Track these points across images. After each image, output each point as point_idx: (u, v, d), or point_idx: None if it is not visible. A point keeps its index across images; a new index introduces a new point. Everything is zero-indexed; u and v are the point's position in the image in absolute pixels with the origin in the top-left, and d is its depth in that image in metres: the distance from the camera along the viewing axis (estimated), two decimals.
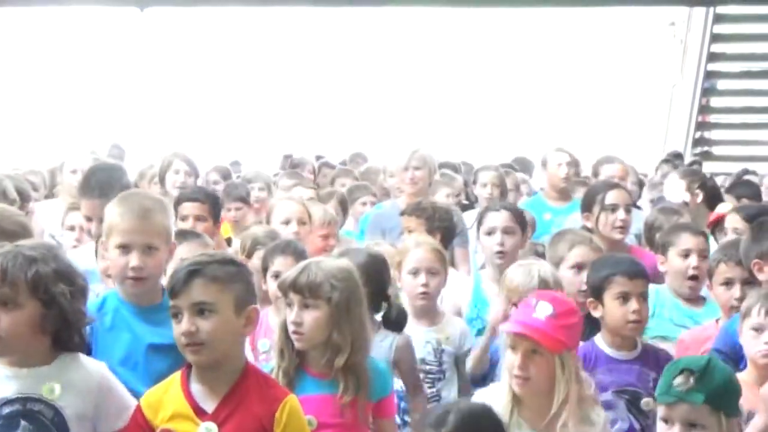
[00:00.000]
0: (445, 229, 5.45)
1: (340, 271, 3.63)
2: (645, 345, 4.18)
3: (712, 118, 15.18)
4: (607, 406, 3.94)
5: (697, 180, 7.04)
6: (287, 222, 5.44)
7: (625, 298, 4.04)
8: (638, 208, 7.02)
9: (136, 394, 3.36)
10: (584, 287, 4.41)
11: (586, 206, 5.63)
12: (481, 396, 3.53)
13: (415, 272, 4.64)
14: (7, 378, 3.19)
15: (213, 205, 5.67)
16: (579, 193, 6.65)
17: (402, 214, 5.61)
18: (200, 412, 3.15)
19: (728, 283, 4.47)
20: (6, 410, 3.15)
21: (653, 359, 4.07)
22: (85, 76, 17.00)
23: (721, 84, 15.01)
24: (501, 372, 3.65)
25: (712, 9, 13.68)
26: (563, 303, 3.54)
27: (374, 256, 4.36)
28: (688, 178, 7.04)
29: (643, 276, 4.15)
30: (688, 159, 13.75)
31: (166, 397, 3.21)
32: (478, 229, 5.23)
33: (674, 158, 11.00)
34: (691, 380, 3.07)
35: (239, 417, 3.14)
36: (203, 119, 16.68)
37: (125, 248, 3.65)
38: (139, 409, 3.23)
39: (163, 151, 7.51)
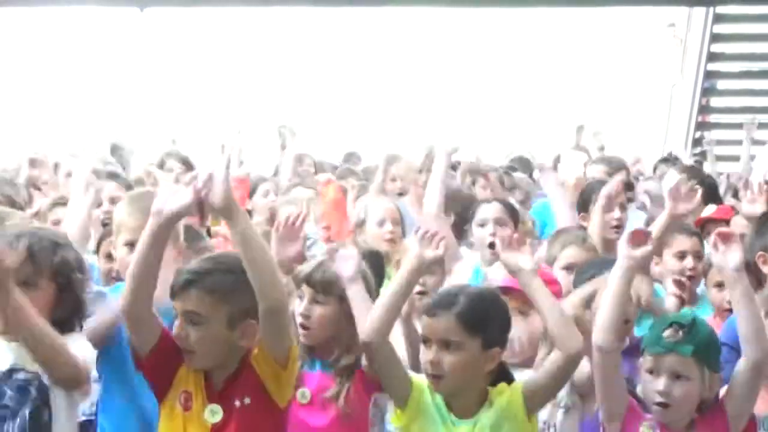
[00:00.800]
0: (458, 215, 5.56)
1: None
2: (633, 338, 4.18)
3: (712, 118, 15.16)
4: None
5: (696, 177, 7.01)
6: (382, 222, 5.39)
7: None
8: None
9: (149, 396, 3.39)
10: None
11: (582, 206, 5.63)
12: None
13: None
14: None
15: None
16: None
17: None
18: (211, 393, 3.20)
19: (721, 285, 4.47)
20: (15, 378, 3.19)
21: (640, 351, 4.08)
22: (84, 76, 17.00)
23: (721, 84, 15.00)
24: None
25: (712, 9, 13.64)
26: (544, 273, 3.75)
27: (371, 252, 4.37)
28: (686, 174, 7.01)
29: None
30: (686, 159, 13.76)
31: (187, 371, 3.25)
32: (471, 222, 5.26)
33: (672, 158, 10.98)
34: (680, 333, 3.18)
35: (239, 393, 3.19)
36: (202, 119, 16.67)
37: (133, 246, 3.64)
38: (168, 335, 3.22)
39: (157, 151, 7.55)
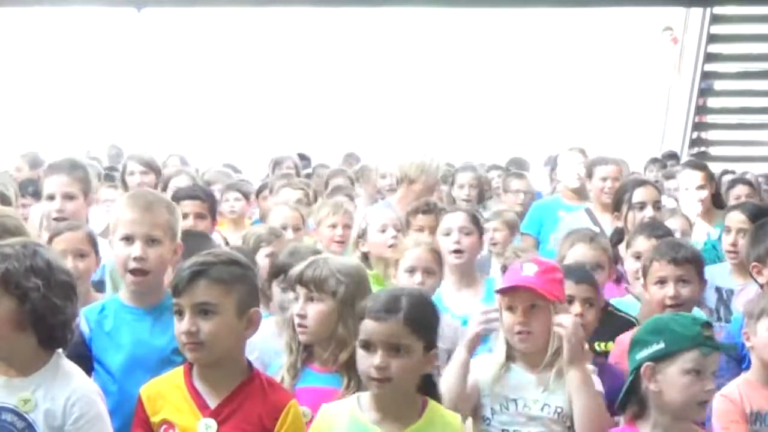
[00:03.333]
0: None
1: (346, 267, 3.67)
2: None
3: (709, 118, 15.19)
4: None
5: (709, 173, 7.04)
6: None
7: (570, 301, 4.00)
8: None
9: (131, 396, 3.35)
10: None
11: (616, 205, 5.65)
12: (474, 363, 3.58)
13: (411, 271, 4.66)
14: None
15: (211, 204, 5.68)
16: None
17: (412, 213, 5.62)
18: (203, 407, 3.16)
19: (662, 281, 4.45)
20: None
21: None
22: (82, 76, 17.01)
23: (718, 84, 15.02)
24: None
25: (709, 9, 13.67)
26: (545, 262, 3.77)
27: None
28: (704, 171, 7.01)
29: (587, 281, 4.16)
30: (685, 159, 13.78)
31: (167, 389, 3.22)
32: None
33: (669, 158, 11.00)
34: (712, 332, 3.25)
35: (240, 417, 3.15)
36: (200, 119, 16.68)
37: (128, 239, 3.68)
38: (139, 399, 3.24)
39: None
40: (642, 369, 3.27)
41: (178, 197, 5.60)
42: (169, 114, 16.75)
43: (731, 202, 7.40)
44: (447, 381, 3.56)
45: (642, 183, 5.69)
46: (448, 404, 3.40)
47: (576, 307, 4.03)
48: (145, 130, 15.55)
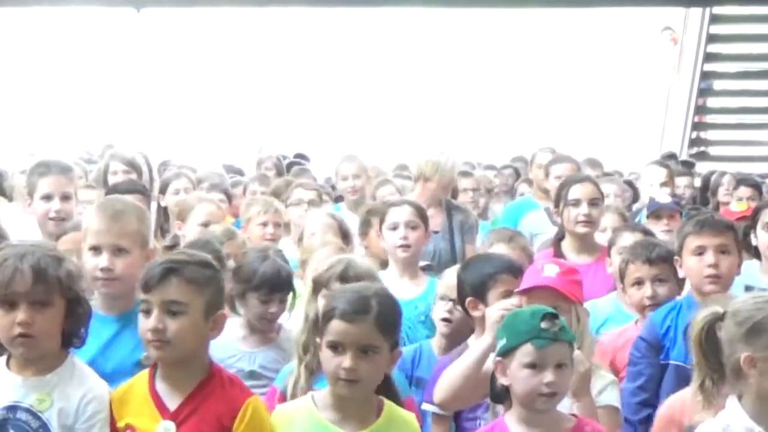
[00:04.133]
0: None
1: (372, 270, 3.74)
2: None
3: (709, 118, 15.18)
4: (486, 408, 3.94)
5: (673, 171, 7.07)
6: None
7: (508, 295, 3.97)
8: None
9: None
10: None
11: (555, 203, 5.64)
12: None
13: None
14: (5, 384, 3.19)
15: (149, 197, 5.70)
16: None
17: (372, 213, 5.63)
18: (163, 410, 3.15)
19: (639, 283, 4.45)
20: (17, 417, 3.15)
21: None
22: (81, 76, 17.02)
23: (718, 84, 15.00)
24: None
25: (708, 9, 13.67)
26: (565, 264, 3.78)
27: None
28: (668, 169, 7.04)
29: (516, 275, 4.09)
30: (684, 159, 13.78)
31: (132, 393, 3.21)
32: (380, 225, 5.20)
33: (668, 159, 10.99)
34: (557, 322, 3.18)
35: (199, 417, 3.14)
36: (200, 119, 16.69)
37: (96, 249, 3.68)
38: (109, 404, 3.23)
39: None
40: (494, 364, 3.28)
41: (117, 191, 5.60)
42: (169, 114, 16.75)
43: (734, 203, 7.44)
44: (465, 367, 3.56)
45: (579, 180, 5.59)
46: (460, 392, 3.43)
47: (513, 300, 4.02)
48: (144, 130, 15.56)
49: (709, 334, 3.09)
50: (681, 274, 4.31)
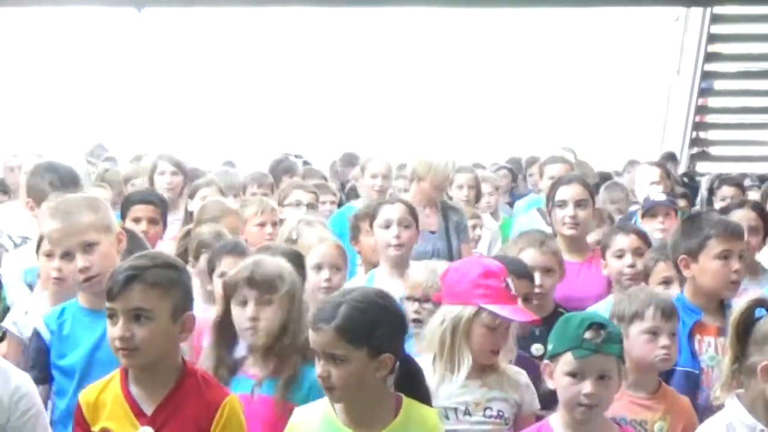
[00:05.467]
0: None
1: (282, 270, 3.67)
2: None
3: (709, 118, 15.18)
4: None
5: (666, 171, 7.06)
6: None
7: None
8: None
9: None
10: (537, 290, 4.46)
11: (545, 203, 5.63)
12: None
13: (318, 267, 4.69)
14: None
15: (164, 209, 5.66)
16: None
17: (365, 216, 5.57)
18: (139, 414, 3.11)
19: (666, 282, 4.45)
20: None
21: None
22: (82, 76, 17.01)
23: (718, 84, 15.01)
24: None
25: (709, 9, 13.67)
26: (483, 263, 3.77)
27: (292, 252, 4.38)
28: (661, 168, 7.04)
29: (527, 276, 4.19)
30: (684, 159, 13.79)
31: (105, 395, 3.17)
32: (371, 223, 5.18)
33: (668, 159, 10.99)
34: (603, 333, 3.16)
35: (177, 420, 3.10)
36: (200, 119, 16.69)
37: (67, 255, 3.74)
38: (78, 406, 3.20)
39: (149, 154, 7.56)
40: (542, 367, 3.28)
41: (131, 201, 5.63)
42: (169, 114, 16.75)
43: (717, 203, 7.45)
44: None
45: (567, 181, 5.53)
46: None
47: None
48: (144, 130, 15.56)
49: (748, 318, 3.13)
50: (687, 274, 4.25)
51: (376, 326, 3.10)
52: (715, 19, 13.90)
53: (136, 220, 5.46)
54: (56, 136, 14.38)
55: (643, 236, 4.95)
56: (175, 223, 6.25)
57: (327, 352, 3.08)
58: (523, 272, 4.21)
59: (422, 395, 3.26)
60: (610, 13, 15.94)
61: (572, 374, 3.16)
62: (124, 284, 3.09)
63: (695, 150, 14.60)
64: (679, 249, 4.28)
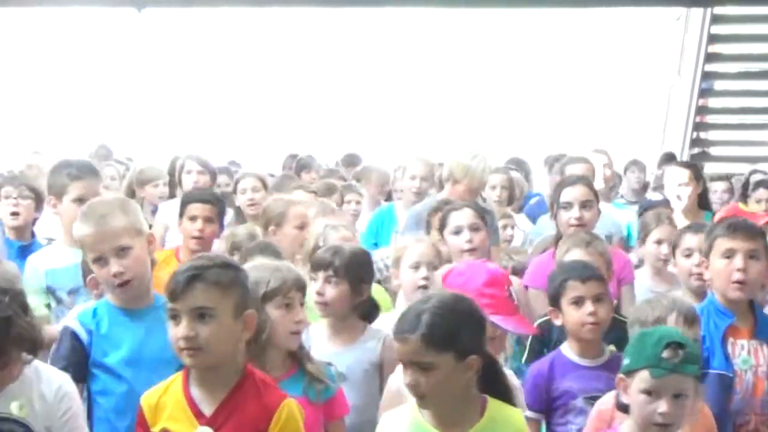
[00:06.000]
0: None
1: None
2: (613, 353, 4.16)
3: (710, 118, 15.17)
4: (578, 412, 3.99)
5: (696, 172, 7.05)
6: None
7: (578, 302, 4.03)
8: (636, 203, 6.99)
9: (139, 394, 3.40)
10: None
11: (550, 206, 5.64)
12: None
13: (416, 266, 4.67)
14: None
15: (220, 208, 5.67)
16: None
17: (437, 211, 5.61)
18: (199, 415, 3.15)
19: (690, 254, 4.60)
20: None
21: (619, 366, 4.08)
22: (82, 76, 17.01)
23: (719, 85, 14.99)
24: None
25: (709, 10, 13.66)
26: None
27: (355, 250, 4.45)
28: (690, 169, 7.03)
29: (596, 278, 4.15)
30: (685, 159, 13.76)
31: (166, 398, 3.21)
32: (441, 230, 5.23)
33: (667, 159, 11.00)
34: (681, 353, 3.16)
35: (236, 421, 3.13)
36: (201, 120, 16.69)
37: (101, 259, 3.74)
38: (140, 408, 3.24)
39: (173, 154, 7.63)
40: (616, 381, 3.29)
41: (188, 200, 5.64)
42: (170, 114, 16.75)
43: (752, 205, 7.44)
44: None
45: (571, 182, 5.56)
46: None
47: (588, 306, 4.01)
48: (145, 130, 15.56)
49: None
50: (707, 276, 4.30)
51: (459, 330, 3.14)
52: (716, 19, 13.88)
53: (192, 219, 5.48)
54: (56, 137, 14.38)
55: None
56: None
57: (414, 360, 3.11)
58: (589, 275, 4.17)
59: (505, 395, 3.30)
60: (610, 13, 15.93)
61: (648, 392, 3.17)
62: (187, 284, 3.13)
63: (695, 150, 14.58)
64: (702, 251, 4.39)
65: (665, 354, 3.15)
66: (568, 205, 5.38)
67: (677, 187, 6.79)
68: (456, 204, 5.46)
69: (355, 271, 4.24)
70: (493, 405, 3.23)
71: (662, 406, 3.16)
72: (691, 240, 4.90)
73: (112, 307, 3.77)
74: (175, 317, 3.15)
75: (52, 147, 10.29)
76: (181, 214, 5.53)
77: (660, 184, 8.42)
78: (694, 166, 7.19)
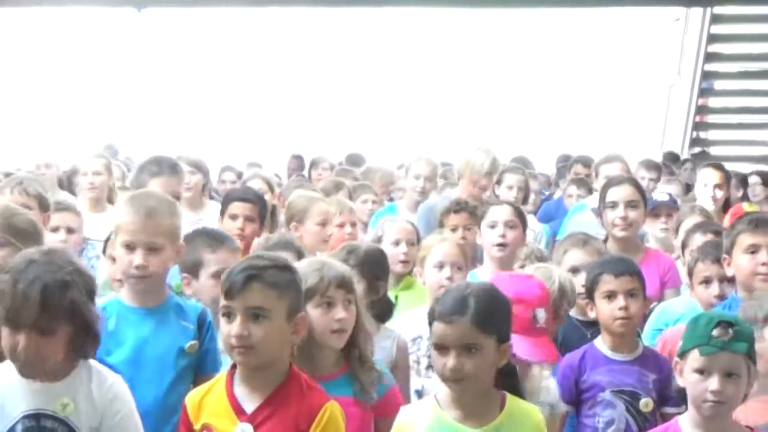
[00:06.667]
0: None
1: None
2: (646, 348, 4.20)
3: (710, 118, 15.20)
4: (606, 405, 4.01)
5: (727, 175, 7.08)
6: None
7: (611, 296, 4.06)
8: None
9: (142, 395, 3.42)
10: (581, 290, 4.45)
11: (598, 205, 5.65)
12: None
13: (440, 266, 4.71)
14: (22, 391, 3.16)
15: (261, 207, 5.63)
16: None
17: (450, 211, 5.65)
18: (240, 412, 3.16)
19: (707, 281, 4.49)
20: (19, 427, 3.13)
21: (653, 361, 4.10)
22: (82, 76, 17.01)
23: (719, 84, 15.03)
24: None
25: (709, 9, 13.68)
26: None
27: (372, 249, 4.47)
28: (722, 171, 7.04)
29: (630, 273, 4.14)
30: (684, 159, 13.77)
31: (209, 396, 3.23)
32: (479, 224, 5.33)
33: (668, 159, 11.00)
34: (731, 331, 3.19)
35: (276, 420, 3.14)
36: (201, 120, 16.69)
37: (130, 247, 3.71)
38: (184, 407, 3.26)
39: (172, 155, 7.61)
40: (672, 364, 3.35)
41: (229, 199, 5.63)
42: (170, 114, 16.75)
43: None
44: None
45: (618, 182, 5.55)
46: None
47: (620, 301, 4.04)
48: (145, 130, 15.56)
49: None
50: (729, 273, 4.33)
51: (501, 315, 3.23)
52: (715, 19, 13.91)
53: (233, 217, 5.47)
54: (55, 137, 14.38)
55: (720, 236, 4.91)
56: (198, 223, 6.26)
57: (463, 343, 3.15)
58: (623, 270, 4.17)
59: (520, 393, 3.35)
60: (610, 13, 15.95)
61: (699, 371, 3.21)
62: (244, 283, 3.13)
63: (696, 150, 14.60)
64: (722, 248, 4.40)
65: (715, 332, 3.20)
66: (614, 205, 5.39)
67: (710, 189, 6.81)
68: (496, 200, 5.60)
69: (371, 269, 4.24)
70: (512, 401, 3.27)
71: (713, 383, 3.19)
72: (700, 240, 4.94)
73: (122, 305, 3.77)
74: (228, 315, 3.15)
75: (51, 147, 10.30)
76: (222, 213, 5.54)
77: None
78: (724, 168, 7.20)
